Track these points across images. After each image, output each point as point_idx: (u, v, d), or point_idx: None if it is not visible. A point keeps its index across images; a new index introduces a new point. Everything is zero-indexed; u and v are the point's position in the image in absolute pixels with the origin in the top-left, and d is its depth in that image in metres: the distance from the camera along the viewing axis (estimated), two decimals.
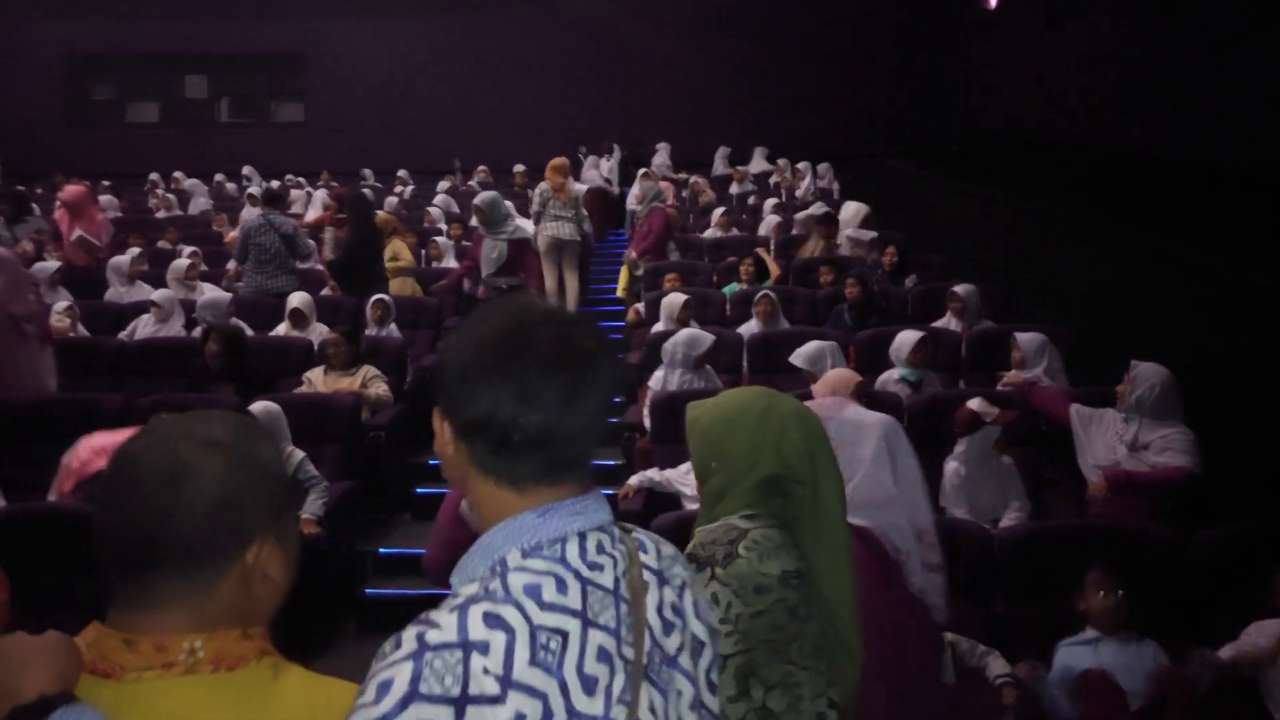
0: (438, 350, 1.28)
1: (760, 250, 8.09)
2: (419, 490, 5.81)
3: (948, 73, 14.33)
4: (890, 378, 5.26)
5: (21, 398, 5.23)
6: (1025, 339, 5.05)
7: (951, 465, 4.19)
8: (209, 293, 7.98)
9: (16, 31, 16.73)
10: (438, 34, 16.87)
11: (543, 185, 8.98)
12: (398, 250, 8.22)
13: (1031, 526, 3.75)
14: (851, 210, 8.80)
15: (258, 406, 4.74)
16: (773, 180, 13.27)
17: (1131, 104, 9.13)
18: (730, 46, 15.94)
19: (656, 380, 5.46)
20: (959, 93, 13.94)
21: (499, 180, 15.04)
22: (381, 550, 5.16)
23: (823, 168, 12.70)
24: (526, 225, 8.75)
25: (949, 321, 6.32)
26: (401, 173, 15.23)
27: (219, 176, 14.91)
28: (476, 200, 7.66)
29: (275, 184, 14.38)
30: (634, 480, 4.66)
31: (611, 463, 6.08)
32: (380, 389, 5.87)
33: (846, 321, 6.50)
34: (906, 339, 5.30)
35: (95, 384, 6.25)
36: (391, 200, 12.36)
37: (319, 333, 6.89)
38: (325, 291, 8.07)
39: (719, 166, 13.92)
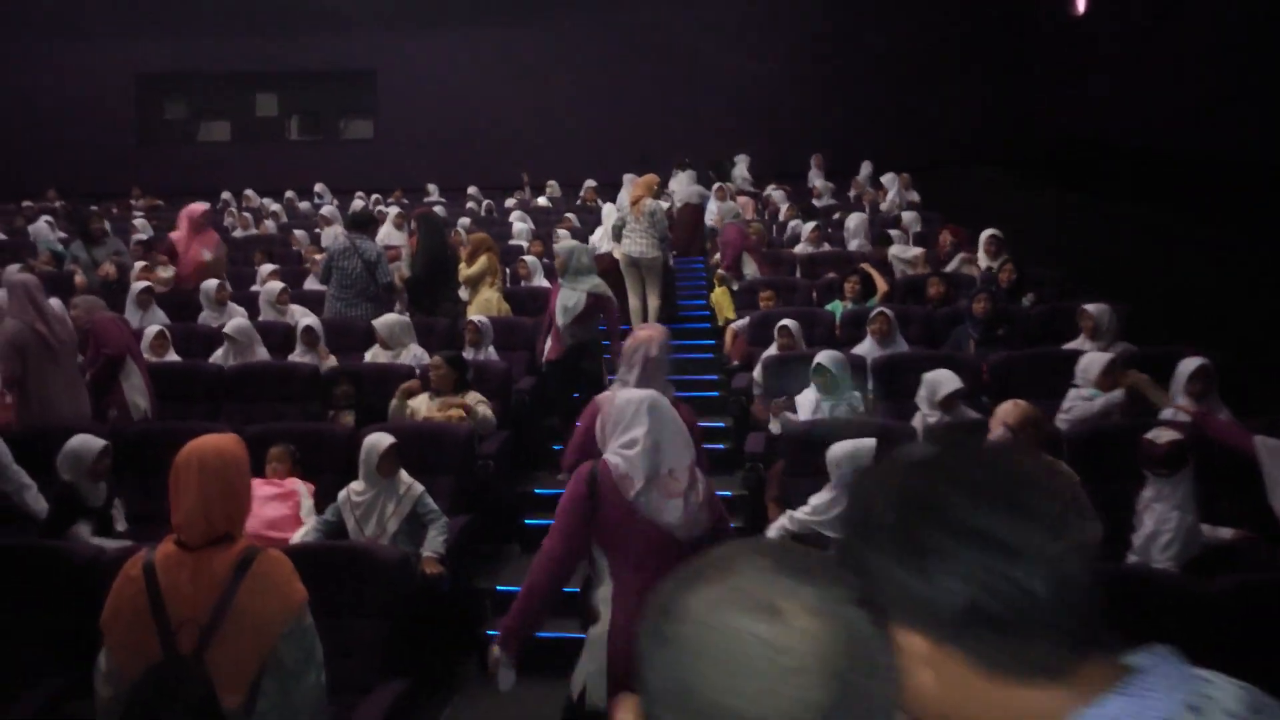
0: (849, 534, 0.95)
1: (866, 265, 7.75)
2: (528, 521, 5.56)
3: (1032, 79, 13.89)
4: (1079, 395, 4.92)
5: (62, 422, 5.05)
6: (1192, 367, 4.68)
7: (1170, 513, 3.80)
8: (302, 318, 7.88)
9: (93, 52, 16.94)
10: (508, 49, 16.77)
11: (621, 201, 8.83)
12: (491, 267, 7.95)
13: (1245, 579, 3.39)
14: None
15: (372, 438, 4.53)
16: (851, 194, 12.93)
17: (1242, 109, 8.69)
18: (807, 57, 15.66)
19: (804, 405, 5.19)
20: (1045, 99, 13.49)
21: (569, 195, 14.91)
22: (499, 588, 4.91)
23: (905, 179, 12.32)
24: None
25: (1081, 343, 5.94)
26: (472, 189, 15.11)
27: (290, 193, 14.93)
28: (556, 248, 7.19)
29: (362, 204, 14.34)
30: (772, 530, 4.34)
31: (728, 492, 5.80)
32: (485, 411, 5.64)
33: (973, 337, 6.15)
34: (1095, 360, 5.00)
35: (192, 409, 6.12)
36: (464, 220, 12.19)
37: (414, 355, 6.72)
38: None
39: (815, 178, 13.56)
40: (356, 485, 4.52)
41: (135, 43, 16.97)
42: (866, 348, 6.17)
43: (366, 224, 7.83)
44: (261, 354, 6.95)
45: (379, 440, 4.51)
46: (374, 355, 6.75)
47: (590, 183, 15.03)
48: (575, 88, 16.63)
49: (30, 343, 5.13)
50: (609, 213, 10.03)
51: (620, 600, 2.77)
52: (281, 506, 4.65)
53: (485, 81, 16.74)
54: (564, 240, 7.39)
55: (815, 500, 4.36)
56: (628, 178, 10.89)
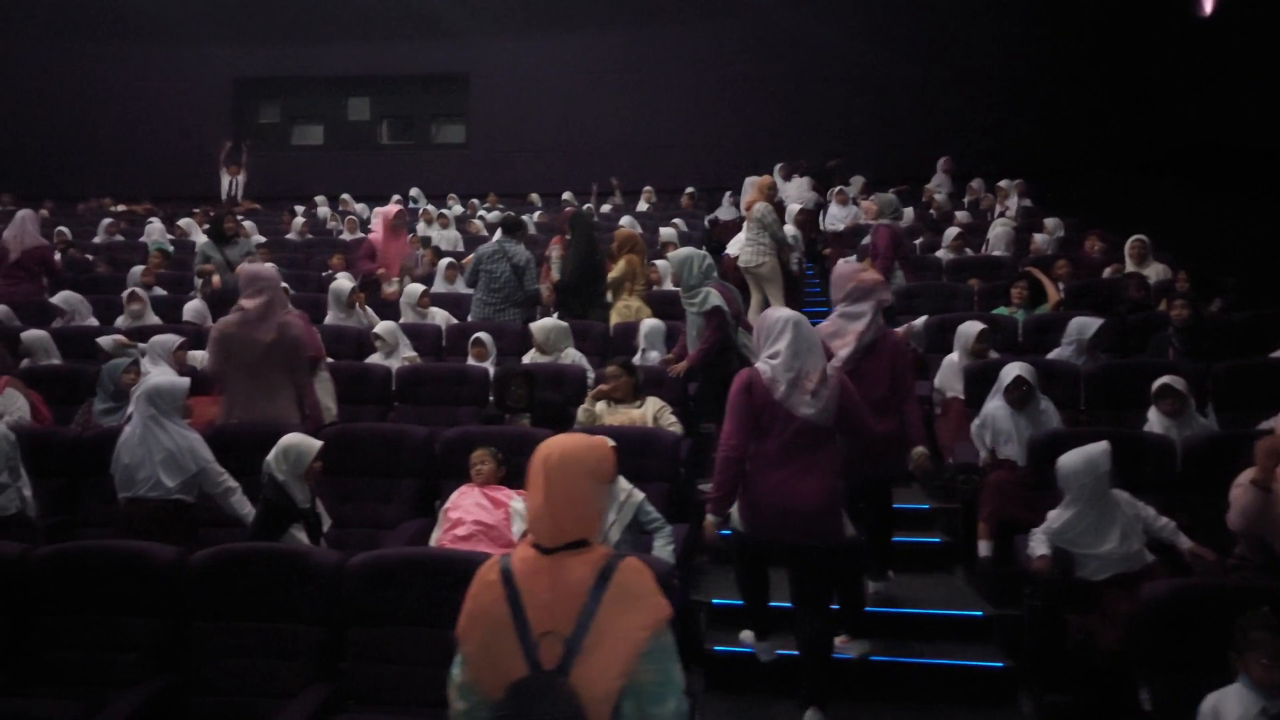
0: None
1: (1034, 270, 7.42)
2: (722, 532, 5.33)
3: (1158, 81, 13.47)
4: None
5: (257, 424, 4.92)
6: None
7: None
8: (439, 318, 7.74)
9: (192, 57, 17.08)
10: (604, 51, 16.63)
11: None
12: (632, 270, 7.63)
13: None
14: None
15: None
16: (967, 199, 12.58)
17: None
18: (918, 57, 15.29)
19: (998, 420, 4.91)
20: (1172, 102, 13.06)
21: (665, 202, 14.70)
22: (714, 601, 4.68)
23: (1020, 185, 11.91)
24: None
25: None
26: (567, 194, 14.95)
27: (397, 197, 14.90)
28: (670, 257, 6.63)
29: (461, 210, 14.28)
30: (1041, 547, 4.05)
31: (926, 505, 5.55)
32: (671, 422, 5.42)
33: (1175, 348, 5.83)
34: None
35: (362, 411, 5.97)
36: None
37: (572, 359, 6.53)
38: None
39: (940, 180, 13.22)
40: None
41: (232, 47, 17.06)
42: (1066, 356, 5.87)
43: (516, 229, 7.67)
44: (410, 356, 6.81)
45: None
46: (532, 359, 6.57)
47: (690, 189, 14.84)
48: (672, 91, 16.43)
49: (224, 340, 5.00)
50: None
51: (763, 465, 3.76)
52: (490, 515, 4.45)
53: (579, 85, 16.59)
54: (676, 250, 6.83)
55: (1058, 519, 4.08)
56: (749, 181, 10.75)
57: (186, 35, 16.93)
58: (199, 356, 6.32)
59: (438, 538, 4.43)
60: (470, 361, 6.59)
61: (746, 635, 4.22)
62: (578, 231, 7.59)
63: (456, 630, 2.21)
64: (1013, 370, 4.83)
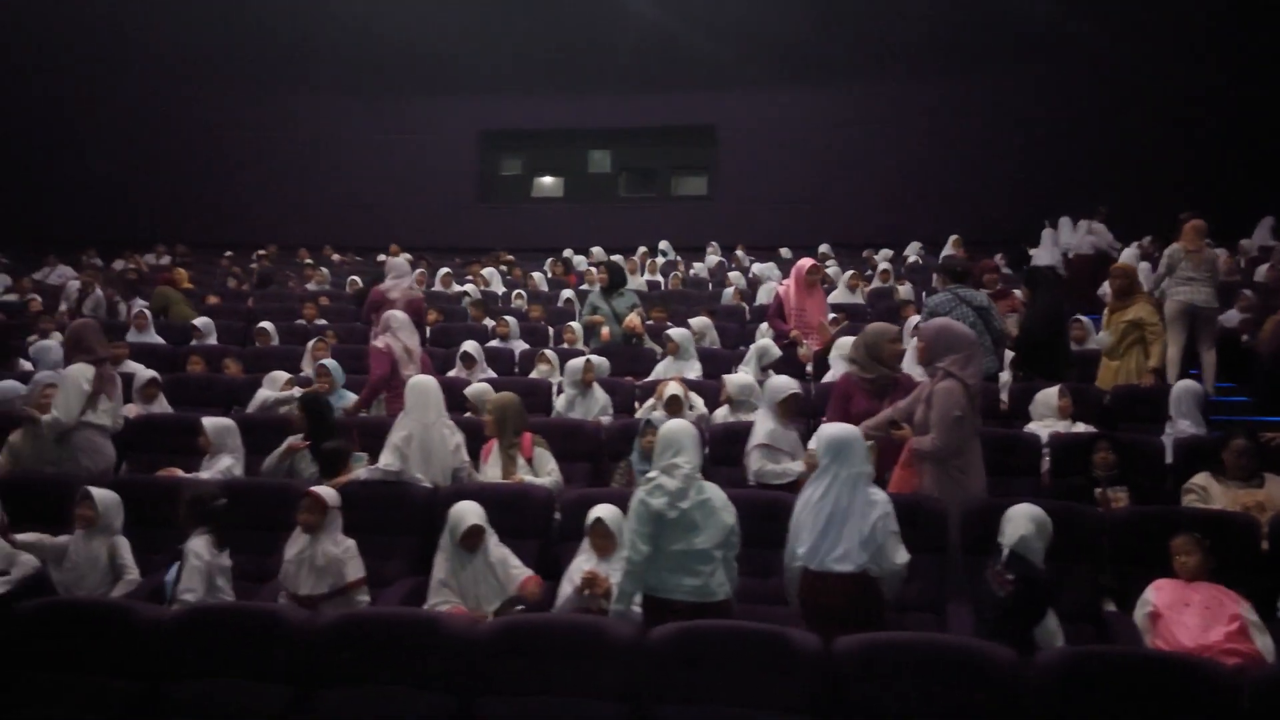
0: None
1: None
2: None
3: None
4: None
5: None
6: None
7: None
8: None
9: (441, 110, 17.24)
10: (856, 100, 16.32)
11: (1174, 246, 7.86)
12: (1144, 319, 6.82)
13: None
14: None
15: None
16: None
17: None
18: (1188, 108, 14.54)
19: None
20: None
21: (933, 254, 14.09)
22: None
23: None
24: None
25: None
26: (823, 248, 14.41)
27: (652, 247, 14.59)
28: None
29: (717, 259, 13.88)
30: None
31: None
32: None
33: None
34: None
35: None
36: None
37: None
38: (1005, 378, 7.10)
39: (1263, 238, 12.37)
40: None
41: (479, 101, 17.15)
42: None
43: (965, 276, 7.21)
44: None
45: None
46: (1048, 426, 5.90)
47: (953, 238, 14.22)
48: (932, 142, 15.95)
49: (971, 399, 4.50)
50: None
51: None
52: (1220, 624, 3.76)
53: (830, 135, 16.25)
54: None
55: None
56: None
57: (437, 89, 17.07)
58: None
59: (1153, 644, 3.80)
60: None
61: None
62: (1040, 289, 7.06)
63: None
64: None
